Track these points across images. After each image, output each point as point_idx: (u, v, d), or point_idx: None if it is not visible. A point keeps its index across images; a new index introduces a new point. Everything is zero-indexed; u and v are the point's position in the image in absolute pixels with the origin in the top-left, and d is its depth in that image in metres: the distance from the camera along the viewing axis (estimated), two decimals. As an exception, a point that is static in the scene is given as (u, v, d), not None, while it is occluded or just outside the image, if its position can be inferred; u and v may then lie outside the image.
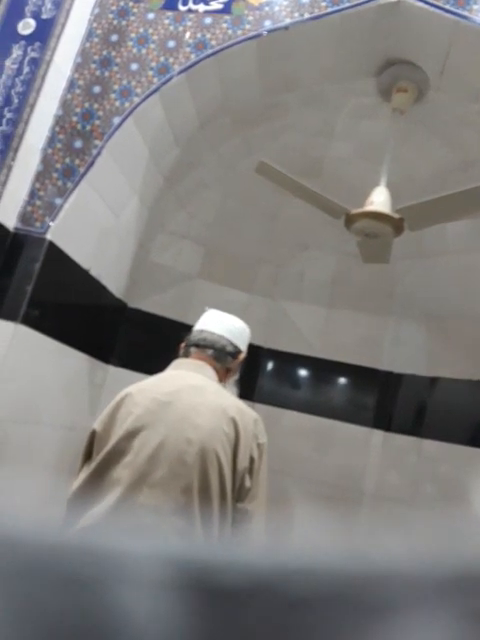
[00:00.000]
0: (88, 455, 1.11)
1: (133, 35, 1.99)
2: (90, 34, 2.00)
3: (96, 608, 0.18)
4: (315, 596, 0.19)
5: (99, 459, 1.06)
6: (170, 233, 2.55)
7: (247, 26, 1.90)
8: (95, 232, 2.00)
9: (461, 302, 2.42)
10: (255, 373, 2.64)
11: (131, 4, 2.02)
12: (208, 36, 1.92)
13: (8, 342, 1.67)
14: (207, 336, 1.23)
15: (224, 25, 1.92)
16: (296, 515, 2.38)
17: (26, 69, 1.85)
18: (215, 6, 1.94)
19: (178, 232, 2.57)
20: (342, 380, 2.67)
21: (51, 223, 1.79)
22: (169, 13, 1.98)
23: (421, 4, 1.76)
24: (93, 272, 2.03)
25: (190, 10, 1.96)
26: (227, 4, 1.93)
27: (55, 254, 1.80)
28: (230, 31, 1.91)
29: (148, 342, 2.45)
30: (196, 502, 1.00)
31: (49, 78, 1.86)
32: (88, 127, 1.90)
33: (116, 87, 1.94)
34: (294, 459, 2.46)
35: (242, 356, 1.26)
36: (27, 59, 1.86)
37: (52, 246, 1.78)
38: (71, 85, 1.95)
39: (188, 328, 1.30)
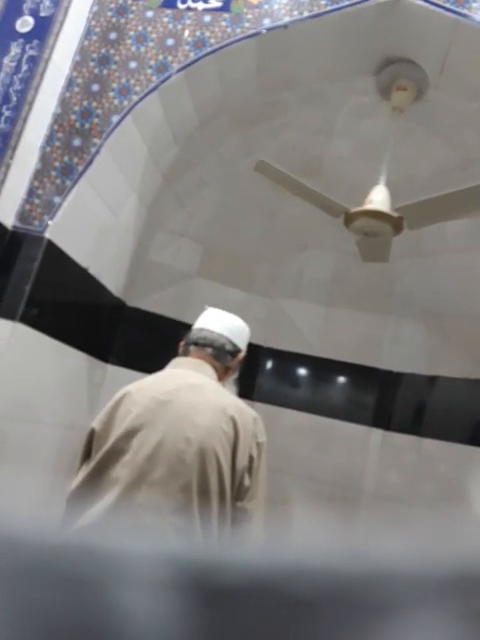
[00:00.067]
0: (87, 454, 1.11)
1: (132, 33, 1.98)
2: (89, 32, 2.00)
3: (96, 608, 0.17)
4: (315, 596, 0.19)
5: (98, 458, 1.06)
6: (169, 232, 2.55)
7: (246, 24, 1.89)
8: (94, 231, 1.99)
9: (460, 301, 2.42)
10: (254, 372, 2.63)
11: (130, 2, 2.01)
12: (207, 34, 1.91)
13: (6, 341, 1.67)
14: (206, 334, 1.22)
15: (223, 23, 1.91)
16: (295, 514, 2.38)
17: (24, 67, 1.85)
18: (214, 4, 1.94)
19: (177, 231, 2.57)
20: (341, 379, 2.67)
21: (50, 222, 1.78)
22: (168, 11, 1.98)
23: (421, 2, 1.76)
24: (92, 271, 2.02)
25: (189, 8, 1.96)
26: (226, 2, 1.93)
27: (54, 253, 1.80)
28: (229, 29, 1.90)
29: (147, 341, 2.45)
30: (195, 501, 1.00)
31: (47, 76, 1.86)
32: (87, 125, 1.89)
33: (115, 85, 1.93)
34: (293, 458, 2.46)
35: (241, 355, 1.26)
36: (25, 57, 1.86)
37: (51, 245, 1.78)
38: (70, 83, 1.94)
39: (187, 327, 1.30)
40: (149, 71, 1.93)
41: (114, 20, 2.00)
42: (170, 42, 1.94)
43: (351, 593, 0.19)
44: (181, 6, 1.97)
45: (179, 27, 1.95)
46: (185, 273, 2.61)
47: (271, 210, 2.60)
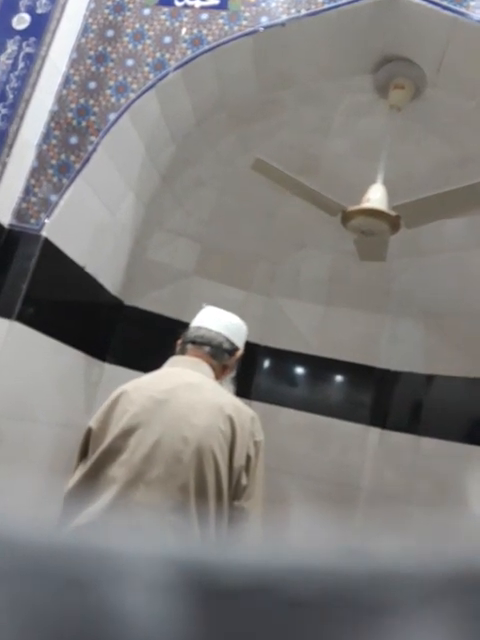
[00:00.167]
0: (84, 453, 1.11)
1: (129, 31, 1.97)
2: (85, 29, 1.99)
3: (95, 609, 0.17)
4: (315, 596, 0.19)
5: (95, 457, 1.05)
6: (167, 230, 2.55)
7: (243, 22, 1.89)
8: (91, 229, 1.99)
9: (458, 299, 2.42)
10: (252, 371, 2.63)
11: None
12: (204, 32, 1.91)
13: (3, 339, 1.66)
14: (204, 333, 1.22)
15: (220, 21, 1.91)
16: (293, 513, 2.39)
17: (21, 64, 1.84)
18: (211, 2, 1.93)
19: (175, 229, 2.56)
20: (339, 378, 2.67)
21: (46, 220, 1.77)
22: (165, 9, 1.97)
23: (418, 0, 1.76)
24: (89, 269, 2.02)
25: (186, 6, 1.95)
26: (223, 0, 1.92)
27: (50, 251, 1.79)
28: (226, 27, 1.90)
29: (144, 340, 2.44)
30: (192, 500, 1.00)
31: (44, 73, 1.85)
32: (83, 123, 1.89)
33: (112, 83, 1.92)
34: (291, 457, 2.46)
35: (239, 353, 1.25)
36: (22, 54, 1.85)
37: (47, 243, 1.77)
38: (66, 81, 1.93)
39: (185, 326, 1.29)
40: (146, 69, 1.92)
41: (111, 17, 2.00)
42: (167, 40, 1.93)
43: (351, 593, 0.19)
44: (178, 4, 1.96)
45: (176, 25, 1.94)
46: (183, 272, 2.61)
47: (269, 209, 2.60)
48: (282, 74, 2.10)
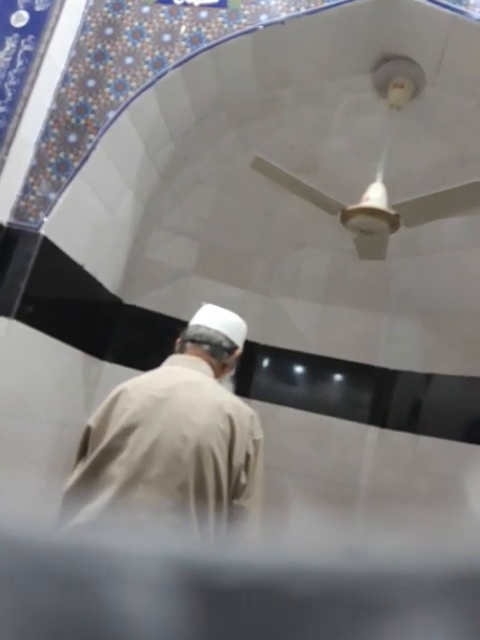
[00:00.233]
0: (83, 452, 1.11)
1: (128, 28, 1.97)
2: (84, 27, 1.99)
3: (95, 609, 0.17)
4: (314, 596, 0.19)
5: (94, 456, 1.05)
6: (165, 229, 2.54)
7: (243, 20, 1.88)
8: (89, 227, 1.99)
9: (456, 299, 2.42)
10: (251, 370, 2.63)
11: (126, -3, 2.00)
12: (204, 30, 1.90)
13: (2, 338, 1.66)
14: (203, 331, 1.22)
15: (220, 19, 1.90)
16: (292, 512, 2.39)
17: (20, 62, 1.84)
18: (211, 0, 1.93)
19: (173, 228, 2.56)
20: (338, 377, 2.67)
21: (45, 218, 1.77)
22: (164, 6, 1.97)
23: (418, -1, 1.75)
24: (88, 268, 2.01)
25: (185, 3, 1.95)
26: (223, -2, 1.92)
27: (49, 249, 1.79)
28: (226, 25, 1.89)
29: (143, 338, 2.44)
30: (192, 499, 1.00)
31: (43, 71, 1.84)
32: (82, 121, 1.88)
33: (111, 81, 1.92)
34: (290, 455, 2.46)
35: (238, 352, 1.25)
36: (20, 52, 1.84)
37: (46, 241, 1.77)
38: (65, 79, 1.93)
39: (183, 324, 1.29)
40: (145, 67, 1.92)
41: (110, 15, 1.99)
42: (166, 38, 1.93)
43: (351, 593, 0.19)
44: (177, 2, 1.96)
45: (175, 23, 1.94)
46: (182, 270, 2.60)
47: (268, 208, 2.60)
48: (281, 72, 2.09)
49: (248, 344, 1.34)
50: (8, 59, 1.84)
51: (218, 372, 1.22)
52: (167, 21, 1.95)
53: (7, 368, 1.67)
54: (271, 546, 0.23)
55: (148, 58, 1.92)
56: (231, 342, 1.23)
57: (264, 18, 1.87)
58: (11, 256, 1.74)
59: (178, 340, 1.25)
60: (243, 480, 1.05)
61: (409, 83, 2.03)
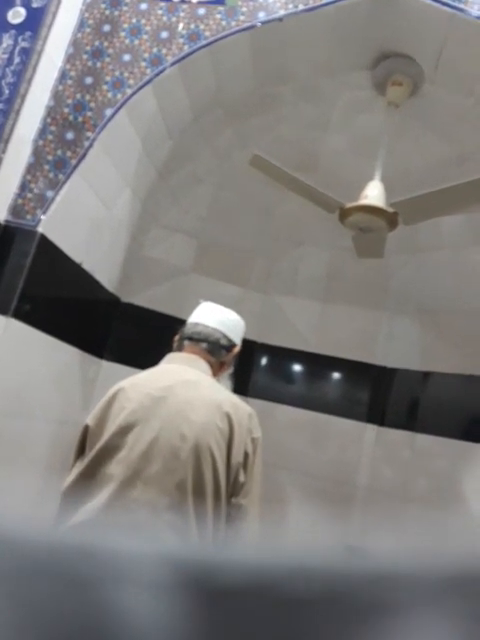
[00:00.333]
0: (81, 450, 1.10)
1: (125, 26, 1.96)
2: (82, 24, 1.98)
3: (95, 609, 0.17)
4: (314, 596, 0.19)
5: (92, 455, 1.05)
6: (163, 227, 2.54)
7: (241, 17, 1.88)
8: (87, 225, 1.98)
9: (455, 297, 2.42)
10: (249, 368, 2.63)
11: (123, -6, 1.99)
12: (202, 27, 1.90)
13: (-1, 336, 1.66)
14: (201, 329, 1.22)
15: (218, 16, 1.90)
16: (291, 510, 2.39)
17: (17, 59, 1.83)
18: (209, -3, 1.92)
19: (171, 226, 2.56)
20: (336, 375, 2.68)
21: (42, 216, 1.77)
22: (162, 3, 1.96)
23: (416, -4, 1.75)
24: (85, 266, 2.01)
25: (183, 0, 1.94)
26: (221, -5, 1.91)
27: (47, 247, 1.78)
28: (224, 22, 1.89)
29: (141, 337, 2.44)
30: (190, 498, 1.00)
31: (40, 68, 1.84)
32: (80, 118, 1.87)
33: (108, 78, 1.91)
34: (288, 453, 2.47)
35: (236, 349, 1.25)
36: (18, 49, 1.83)
37: (43, 239, 1.76)
38: (63, 76, 1.92)
39: (181, 322, 1.29)
40: (143, 64, 1.91)
41: (108, 12, 1.98)
42: (164, 35, 1.92)
43: (350, 593, 0.19)
44: (175, -2, 1.95)
45: (173, 20, 1.93)
46: (180, 268, 2.60)
47: (266, 206, 2.60)
48: (280, 70, 2.09)
49: (246, 342, 1.34)
50: (5, 56, 1.83)
51: (216, 370, 1.21)
52: (165, 18, 1.94)
53: (5, 366, 1.67)
54: (270, 545, 0.23)
55: (146, 55, 1.92)
56: (229, 340, 1.23)
57: (262, 15, 1.86)
58: (8, 254, 1.73)
59: (176, 338, 1.25)
60: (242, 478, 1.05)
61: (408, 81, 2.03)
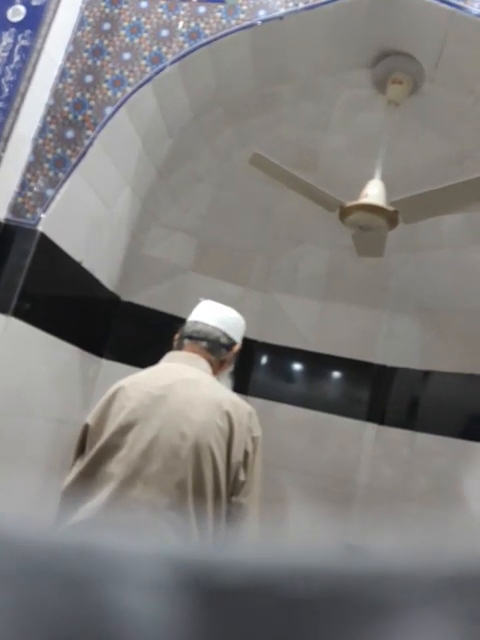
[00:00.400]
0: (81, 449, 1.10)
1: (126, 24, 1.96)
2: (82, 22, 1.97)
3: (95, 609, 0.17)
4: (314, 596, 0.19)
5: (92, 454, 1.05)
6: (163, 225, 2.54)
7: (241, 15, 1.87)
8: (87, 224, 1.98)
9: (455, 296, 2.42)
10: (249, 367, 2.63)
11: (123, -8, 1.99)
12: (202, 25, 1.89)
13: (-1, 335, 1.66)
14: (201, 328, 1.22)
15: (218, 14, 1.89)
16: (291, 509, 2.39)
17: (17, 57, 1.82)
18: (209, -5, 1.92)
19: (171, 224, 2.55)
20: (336, 374, 2.68)
21: (42, 215, 1.76)
22: (162, 2, 1.96)
23: (417, -6, 1.75)
24: (85, 264, 2.01)
25: (183, -1, 1.93)
26: (221, -7, 1.91)
27: (46, 246, 1.78)
28: (224, 20, 1.88)
29: (141, 335, 2.44)
30: (190, 497, 1.00)
31: (40, 67, 1.83)
32: (80, 117, 1.87)
33: (108, 77, 1.91)
34: (288, 452, 2.47)
35: (237, 347, 1.25)
36: (17, 47, 1.83)
37: (43, 238, 1.76)
38: (63, 74, 1.92)
39: (182, 321, 1.29)
40: (143, 62, 1.91)
41: (107, 10, 1.98)
42: (164, 33, 1.92)
43: (350, 593, 0.19)
44: (175, -3, 1.94)
45: (173, 18, 1.93)
46: (180, 267, 2.60)
47: (266, 204, 2.59)
48: (280, 68, 2.08)
49: (246, 341, 1.34)
50: (5, 54, 1.83)
51: (216, 368, 1.21)
52: (165, 16, 1.94)
53: (5, 365, 1.67)
54: (270, 545, 0.23)
55: (146, 54, 1.91)
56: (229, 338, 1.23)
57: (262, 13, 1.86)
58: (8, 253, 1.73)
59: (176, 337, 1.25)
60: (242, 477, 1.05)
61: (408, 79, 2.02)
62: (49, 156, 1.83)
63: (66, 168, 1.82)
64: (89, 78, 1.91)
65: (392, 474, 2.46)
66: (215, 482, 1.02)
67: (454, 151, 2.26)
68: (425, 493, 2.34)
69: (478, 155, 2.17)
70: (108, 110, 1.87)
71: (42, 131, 1.85)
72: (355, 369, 2.62)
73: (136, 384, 1.12)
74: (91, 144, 1.84)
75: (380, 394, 2.59)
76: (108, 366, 2.36)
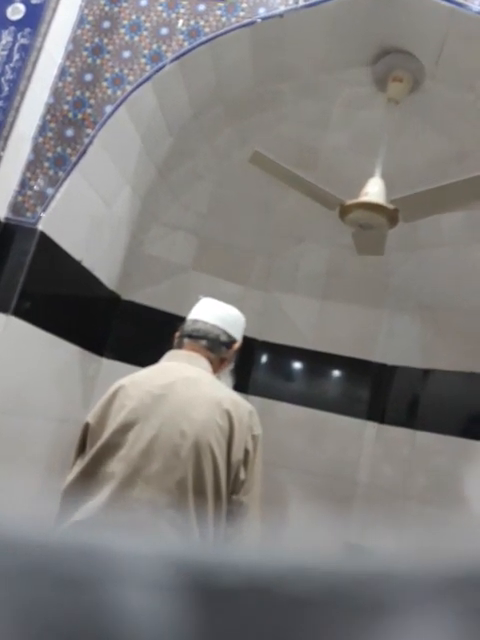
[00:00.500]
0: (82, 448, 1.11)
1: (125, 22, 1.96)
2: (81, 20, 1.97)
3: (95, 609, 0.17)
4: (313, 596, 0.19)
5: (93, 453, 1.05)
6: (163, 224, 2.54)
7: (241, 13, 1.87)
8: (87, 222, 1.98)
9: (455, 294, 2.42)
10: (249, 365, 2.63)
11: (123, -10, 1.98)
12: (201, 23, 1.89)
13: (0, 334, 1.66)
14: (200, 326, 1.22)
15: (218, 12, 1.89)
16: (291, 508, 2.39)
17: (16, 56, 1.82)
18: (209, -7, 1.91)
19: (171, 223, 2.55)
20: (336, 372, 2.67)
21: (42, 214, 1.76)
22: (162, 0, 1.95)
23: (417, -8, 1.74)
24: (85, 263, 2.01)
25: (183, -3, 1.93)
26: (221, -9, 1.90)
27: (46, 245, 1.78)
28: (224, 18, 1.88)
29: (142, 334, 2.44)
30: (190, 495, 1.00)
31: (40, 65, 1.83)
32: (80, 115, 1.87)
33: (108, 75, 1.91)
34: (288, 451, 2.47)
35: (237, 345, 1.25)
36: (17, 46, 1.83)
37: (43, 237, 1.76)
38: (62, 73, 1.91)
39: (182, 320, 1.29)
40: (143, 61, 1.90)
41: (107, 9, 1.98)
42: (164, 31, 1.91)
43: (350, 593, 0.19)
44: (175, -6, 1.94)
45: (173, 16, 1.92)
46: (180, 266, 2.60)
47: (266, 203, 2.59)
48: (280, 66, 2.08)
49: (246, 340, 1.34)
50: (5, 53, 1.83)
51: (217, 366, 1.21)
52: (165, 14, 1.93)
53: (5, 364, 1.67)
54: (270, 545, 0.23)
55: (145, 52, 1.91)
56: (229, 336, 1.23)
57: (262, 11, 1.86)
58: (8, 252, 1.73)
59: (176, 335, 1.25)
60: (242, 476, 1.05)
61: (408, 77, 2.02)
62: (49, 155, 1.83)
63: (66, 167, 1.81)
64: (89, 76, 1.91)
65: (392, 473, 2.46)
66: (215, 481, 1.02)
67: (454, 149, 2.26)
68: (425, 492, 2.34)
69: (478, 153, 2.17)
70: (108, 108, 1.87)
71: (42, 130, 1.85)
72: (355, 368, 2.62)
73: (136, 383, 1.12)
74: (91, 143, 1.84)
75: (380, 393, 2.59)
76: (108, 365, 2.36)
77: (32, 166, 1.81)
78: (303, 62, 2.07)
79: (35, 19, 1.84)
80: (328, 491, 2.40)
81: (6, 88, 1.79)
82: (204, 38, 1.88)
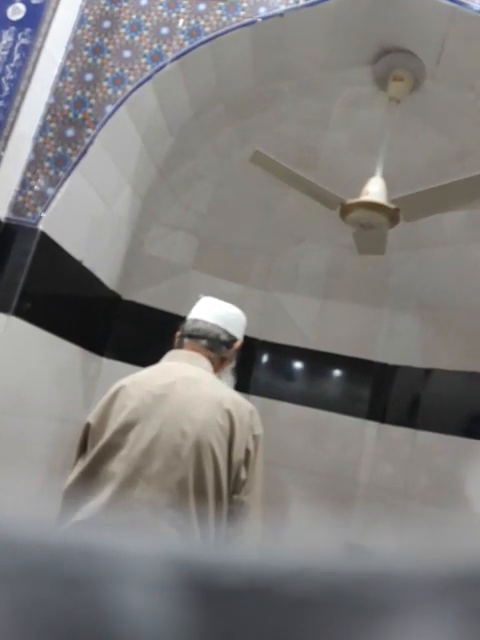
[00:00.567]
0: (83, 449, 1.11)
1: (126, 22, 1.96)
2: (82, 20, 1.97)
3: (95, 609, 0.17)
4: (314, 596, 0.19)
5: (94, 453, 1.05)
6: (164, 224, 2.54)
7: (241, 13, 1.87)
8: (88, 222, 1.98)
9: (456, 293, 2.42)
10: (250, 365, 2.63)
11: (123, -10, 1.98)
12: (202, 23, 1.89)
13: (0, 334, 1.66)
14: (200, 326, 1.22)
15: (218, 11, 1.89)
16: (292, 507, 2.39)
17: (17, 56, 1.82)
18: (209, -8, 1.91)
19: (172, 223, 2.55)
20: (337, 372, 2.67)
21: (43, 214, 1.76)
22: (162, -1, 1.95)
23: (418, -9, 1.74)
24: (86, 263, 2.01)
25: (183, -4, 1.93)
26: (221, -10, 1.90)
27: (47, 245, 1.78)
28: (224, 18, 1.88)
29: (142, 334, 2.44)
30: (191, 495, 1.00)
31: (40, 65, 1.83)
32: (80, 115, 1.87)
33: (108, 75, 1.91)
34: (289, 451, 2.47)
35: (238, 344, 1.25)
36: (17, 46, 1.83)
37: (44, 237, 1.76)
38: (63, 72, 1.91)
39: (182, 320, 1.29)
40: (143, 60, 1.90)
41: (107, 8, 1.97)
42: (164, 31, 1.91)
43: (350, 593, 0.19)
44: (175, -6, 1.94)
45: (173, 15, 1.92)
46: (180, 266, 2.60)
47: (267, 202, 2.59)
48: (280, 66, 2.08)
49: (247, 339, 1.34)
50: (5, 53, 1.83)
51: (217, 366, 1.21)
52: (165, 14, 1.93)
53: (5, 364, 1.67)
54: (271, 545, 0.23)
55: (146, 51, 1.91)
56: (229, 335, 1.23)
57: (263, 11, 1.85)
58: (9, 252, 1.73)
59: (177, 335, 1.25)
60: (243, 475, 1.05)
61: (409, 76, 2.02)
62: (49, 155, 1.83)
63: (66, 167, 1.81)
64: (89, 76, 1.91)
65: (393, 472, 2.46)
66: (216, 481, 1.02)
67: (455, 148, 2.26)
68: (426, 491, 2.34)
69: (479, 152, 2.17)
70: (108, 108, 1.87)
71: (42, 130, 1.85)
72: (356, 367, 2.62)
73: (137, 383, 1.12)
74: (91, 142, 1.84)
75: (381, 392, 2.59)
76: (109, 365, 2.36)
77: (33, 166, 1.81)
78: (304, 61, 2.07)
79: (35, 19, 1.84)
80: (329, 491, 2.40)
81: (6, 88, 1.79)
82: (204, 37, 1.88)
